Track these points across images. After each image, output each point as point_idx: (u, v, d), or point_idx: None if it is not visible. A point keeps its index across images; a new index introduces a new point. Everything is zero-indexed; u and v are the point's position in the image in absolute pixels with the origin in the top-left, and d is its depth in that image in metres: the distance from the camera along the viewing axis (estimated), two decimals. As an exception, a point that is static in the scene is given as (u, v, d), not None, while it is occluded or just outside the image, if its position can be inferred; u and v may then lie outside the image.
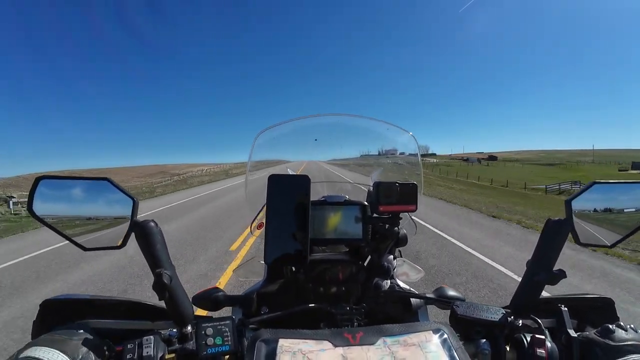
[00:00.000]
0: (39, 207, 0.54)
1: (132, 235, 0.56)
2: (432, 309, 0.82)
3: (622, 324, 0.55)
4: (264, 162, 0.94)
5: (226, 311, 0.77)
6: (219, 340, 0.54)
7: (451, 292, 0.76)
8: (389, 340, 0.45)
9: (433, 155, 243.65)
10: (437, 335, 0.45)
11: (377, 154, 1.08)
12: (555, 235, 0.59)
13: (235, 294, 0.78)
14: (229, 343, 0.54)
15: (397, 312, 0.79)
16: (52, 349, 0.46)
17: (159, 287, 0.53)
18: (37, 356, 0.44)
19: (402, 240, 0.81)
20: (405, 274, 0.93)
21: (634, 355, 0.49)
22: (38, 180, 0.54)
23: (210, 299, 0.75)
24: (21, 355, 0.44)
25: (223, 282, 3.92)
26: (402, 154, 1.01)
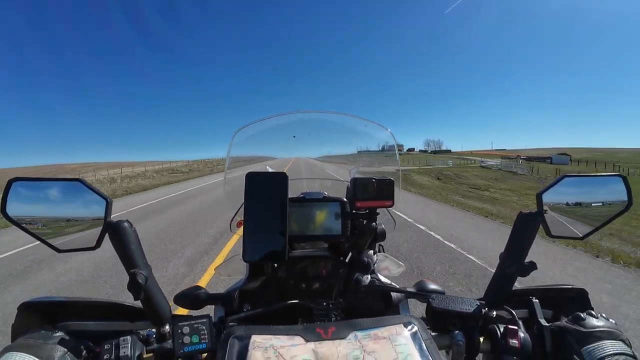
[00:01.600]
0: (13, 209, 0.54)
1: (107, 235, 0.56)
2: (414, 303, 0.84)
3: (593, 312, 0.57)
4: (244, 159, 0.94)
5: (209, 310, 0.77)
6: (195, 339, 0.54)
7: (431, 286, 0.77)
8: (359, 334, 0.45)
9: (447, 152, 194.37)
10: (408, 328, 0.46)
11: (357, 151, 1.09)
12: (526, 227, 0.60)
13: (217, 292, 0.79)
14: (206, 341, 0.54)
15: (378, 306, 0.80)
16: (27, 355, 0.46)
17: (134, 287, 0.53)
18: None
19: (381, 236, 0.82)
20: (387, 269, 0.94)
21: (605, 341, 0.50)
22: (11, 182, 0.54)
23: (192, 297, 0.75)
24: None
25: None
26: (381, 150, 1.01)
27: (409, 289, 0.75)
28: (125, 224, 0.56)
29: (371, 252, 0.79)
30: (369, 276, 0.77)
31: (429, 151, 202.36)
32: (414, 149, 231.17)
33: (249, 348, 0.43)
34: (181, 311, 0.74)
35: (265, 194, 0.67)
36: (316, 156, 1.26)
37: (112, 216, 0.57)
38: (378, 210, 0.77)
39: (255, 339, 0.44)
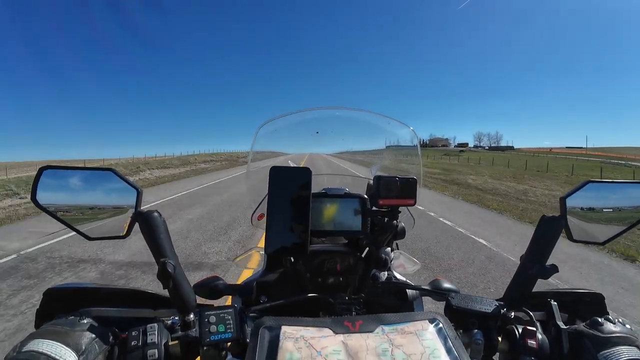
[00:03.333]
0: (43, 197, 0.54)
1: (137, 225, 0.57)
2: (427, 301, 0.85)
3: (610, 317, 0.58)
4: (266, 153, 0.94)
5: (225, 300, 0.79)
6: (221, 328, 0.55)
7: (446, 285, 0.78)
8: (387, 328, 0.46)
9: (509, 148, 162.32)
10: (433, 324, 0.47)
11: (378, 148, 1.09)
12: (549, 231, 0.60)
13: (235, 283, 0.80)
14: (232, 331, 0.55)
15: (393, 303, 0.82)
16: (54, 342, 0.46)
17: (164, 276, 0.54)
18: (39, 350, 0.44)
19: (400, 234, 0.83)
20: (402, 266, 0.95)
21: (621, 347, 0.51)
22: (42, 170, 0.55)
23: (211, 287, 0.76)
24: (24, 349, 0.45)
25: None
26: (402, 147, 1.01)
27: (424, 287, 0.75)
28: (155, 214, 0.57)
29: (389, 249, 0.80)
30: (386, 273, 0.78)
31: (486, 147, 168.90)
32: (467, 144, 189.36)
33: (280, 338, 0.44)
34: (202, 302, 0.76)
35: (289, 188, 0.68)
36: (331, 152, 1.26)
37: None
38: (400, 209, 0.77)
39: (286, 329, 0.45)
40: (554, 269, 0.60)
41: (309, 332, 0.45)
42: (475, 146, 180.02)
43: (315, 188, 0.81)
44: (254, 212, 0.92)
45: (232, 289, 0.78)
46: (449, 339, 0.45)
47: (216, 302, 0.74)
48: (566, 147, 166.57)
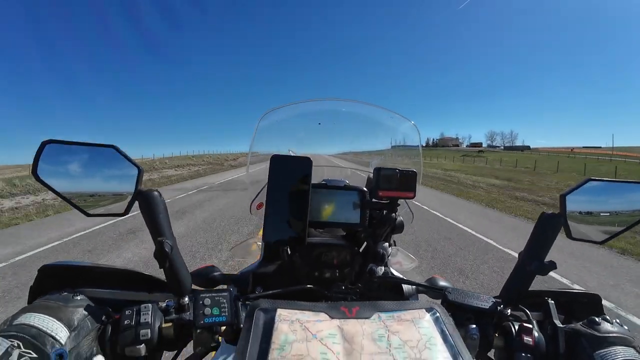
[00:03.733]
0: (44, 171, 0.54)
1: (136, 203, 0.57)
2: (423, 299, 0.84)
3: (608, 317, 0.58)
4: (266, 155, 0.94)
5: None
6: (216, 311, 0.55)
7: (442, 282, 0.78)
8: (383, 315, 0.46)
9: (525, 148, 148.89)
10: (430, 313, 0.47)
11: (381, 148, 1.09)
12: (548, 228, 0.61)
13: (231, 273, 0.80)
14: (226, 314, 0.55)
15: (389, 298, 0.81)
16: (46, 316, 0.46)
17: (161, 255, 0.54)
18: (31, 323, 0.44)
19: (399, 227, 0.83)
20: (399, 263, 0.95)
21: (618, 347, 0.51)
22: (44, 144, 0.54)
23: (207, 276, 0.76)
24: (15, 322, 0.44)
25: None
26: (405, 145, 1.02)
27: (421, 283, 0.75)
28: (155, 193, 0.57)
29: (386, 244, 0.80)
30: (383, 268, 0.78)
31: (502, 147, 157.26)
32: (480, 143, 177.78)
33: (275, 320, 0.44)
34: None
35: (289, 178, 0.68)
36: (335, 153, 1.26)
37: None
38: (399, 202, 0.77)
39: (281, 312, 0.45)
40: (552, 266, 0.59)
41: (304, 316, 0.45)
42: (490, 146, 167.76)
43: (315, 179, 0.81)
44: (253, 200, 0.92)
45: (228, 279, 0.78)
46: (446, 328, 0.45)
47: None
48: (584, 147, 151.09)
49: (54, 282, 0.60)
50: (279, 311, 0.45)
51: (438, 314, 0.47)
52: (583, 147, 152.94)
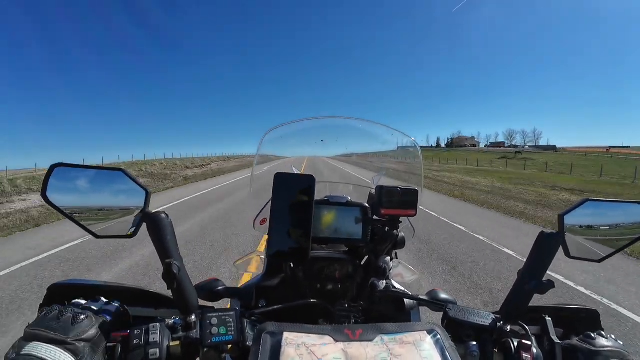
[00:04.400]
0: (53, 194, 0.55)
1: (144, 225, 0.58)
2: (424, 311, 0.86)
3: (603, 333, 0.59)
4: (270, 157, 0.96)
5: (225, 302, 0.79)
6: (222, 330, 0.56)
7: (443, 295, 0.79)
8: (386, 337, 0.47)
9: (551, 148, 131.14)
10: (431, 335, 0.48)
11: (378, 150, 1.11)
12: (546, 247, 0.62)
13: (235, 286, 0.81)
14: (232, 333, 0.56)
15: (391, 312, 0.82)
16: (53, 347, 0.46)
17: (168, 276, 0.55)
18: (38, 355, 0.44)
19: (400, 243, 0.84)
20: (401, 275, 0.96)
21: None
22: (53, 167, 0.56)
23: (211, 289, 0.77)
24: (22, 352, 0.45)
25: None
26: (405, 158, 1.03)
27: (422, 297, 0.76)
28: (163, 215, 0.58)
29: (388, 258, 0.81)
30: (385, 282, 0.79)
31: (526, 147, 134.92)
32: (503, 143, 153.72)
33: (282, 344, 0.45)
34: (202, 304, 0.77)
35: (292, 195, 0.69)
36: (332, 155, 1.28)
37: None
38: (400, 219, 0.79)
39: (288, 336, 0.46)
40: (550, 285, 0.61)
41: (310, 339, 0.46)
42: (512, 145, 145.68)
43: (318, 195, 0.82)
44: (257, 216, 0.93)
45: (231, 292, 0.79)
46: (446, 351, 0.46)
47: (216, 305, 0.74)
48: (611, 147, 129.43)
49: (63, 300, 0.62)
50: (286, 334, 0.47)
51: (439, 336, 0.48)
52: (609, 146, 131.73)
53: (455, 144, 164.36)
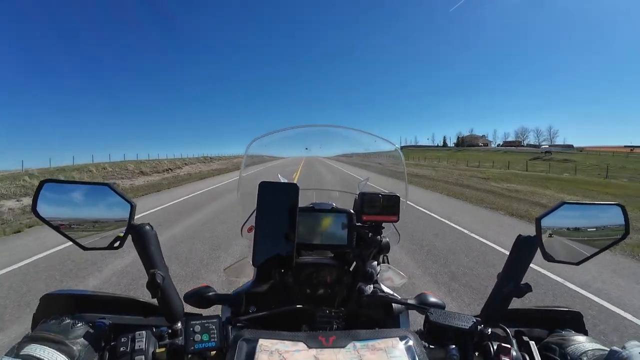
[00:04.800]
0: (43, 209, 0.58)
1: (130, 237, 0.60)
2: (413, 314, 0.87)
3: (583, 334, 0.60)
4: (260, 157, 0.98)
5: (216, 309, 0.81)
6: (205, 337, 0.58)
7: (432, 299, 0.80)
8: (358, 344, 0.49)
9: (568, 148, 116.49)
10: (403, 342, 0.50)
11: (367, 151, 1.13)
12: (524, 250, 0.63)
13: (225, 293, 0.83)
14: (215, 340, 0.58)
15: (379, 316, 0.84)
16: (50, 348, 0.49)
17: (153, 286, 0.57)
18: (35, 354, 0.47)
19: (385, 248, 0.85)
20: (390, 279, 0.97)
21: None
22: (42, 183, 0.59)
23: (201, 297, 0.79)
24: (22, 352, 0.48)
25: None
26: (389, 165, 1.05)
27: (409, 301, 0.78)
28: (147, 227, 0.61)
29: (375, 263, 0.82)
30: (372, 286, 0.80)
31: (546, 146, 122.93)
32: (519, 141, 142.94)
33: (256, 351, 0.47)
34: (192, 310, 0.79)
35: (277, 203, 0.71)
36: (327, 155, 1.29)
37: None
38: (383, 225, 0.80)
39: (262, 342, 0.48)
40: (527, 288, 0.62)
41: (284, 346, 0.48)
42: (533, 145, 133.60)
43: (304, 202, 0.84)
44: (244, 224, 0.95)
45: (222, 299, 0.81)
46: (416, 357, 0.47)
47: (207, 312, 0.76)
48: (625, 146, 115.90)
49: (56, 310, 0.64)
50: (261, 341, 0.48)
51: (411, 343, 0.50)
52: (632, 146, 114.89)
53: (466, 142, 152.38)
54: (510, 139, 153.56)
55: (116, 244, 0.61)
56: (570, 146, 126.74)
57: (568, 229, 0.64)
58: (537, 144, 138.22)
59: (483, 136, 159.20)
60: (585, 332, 0.65)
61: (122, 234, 0.60)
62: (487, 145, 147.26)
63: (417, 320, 1.02)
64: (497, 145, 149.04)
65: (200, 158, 36.79)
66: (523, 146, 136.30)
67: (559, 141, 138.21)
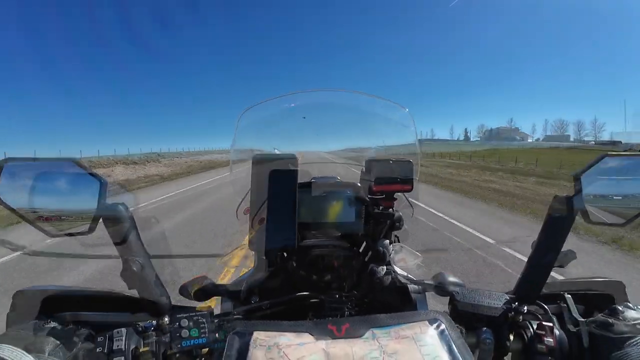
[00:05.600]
0: (5, 191, 0.50)
1: (101, 220, 0.52)
2: (431, 297, 0.79)
3: (630, 304, 0.52)
4: (248, 152, 0.87)
5: (216, 301, 0.74)
6: (194, 333, 0.51)
7: (451, 279, 0.72)
8: (378, 332, 0.40)
9: (617, 143, 79.15)
10: (434, 326, 0.41)
11: (375, 140, 1.02)
12: (562, 213, 0.54)
13: (224, 283, 0.75)
14: (206, 336, 0.51)
15: (394, 300, 0.76)
16: (14, 347, 0.44)
17: (127, 274, 0.50)
18: (1, 356, 0.43)
19: (398, 223, 0.77)
20: (403, 260, 0.89)
21: None
22: (2, 163, 0.51)
23: (198, 288, 0.71)
24: None
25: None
26: (399, 132, 0.95)
27: (428, 282, 0.70)
28: (120, 207, 0.52)
29: (387, 241, 0.74)
30: (385, 267, 0.72)
31: (593, 142, 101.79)
32: (564, 136, 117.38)
33: (250, 347, 0.38)
34: (189, 304, 0.71)
35: (273, 179, 0.63)
36: (328, 150, 1.19)
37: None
38: (395, 195, 0.71)
39: (258, 335, 0.40)
40: (571, 256, 0.53)
41: (284, 339, 0.39)
42: (582, 140, 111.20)
43: (305, 177, 0.75)
44: (239, 205, 0.87)
45: (221, 290, 0.73)
46: (452, 343, 0.39)
47: (206, 304, 0.69)
48: None
49: (31, 309, 0.58)
50: (255, 334, 0.40)
51: (443, 326, 0.41)
52: None
53: (500, 136, 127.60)
54: (543, 132, 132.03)
55: (86, 229, 0.52)
56: (619, 142, 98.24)
57: (610, 185, 0.56)
58: (577, 137, 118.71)
59: (516, 128, 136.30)
60: (626, 301, 0.57)
61: (92, 216, 0.52)
62: (523, 140, 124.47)
63: (437, 305, 0.93)
64: (536, 140, 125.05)
65: (152, 154, 30.56)
66: (570, 141, 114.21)
67: (605, 136, 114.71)
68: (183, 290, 0.69)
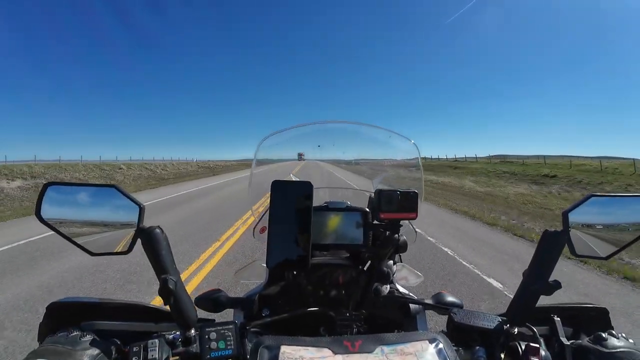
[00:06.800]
0: (47, 212, 0.55)
1: (139, 241, 0.57)
2: (430, 314, 0.84)
3: (614, 332, 0.58)
4: (268, 161, 0.95)
5: (227, 313, 0.79)
6: (222, 345, 0.55)
7: (450, 298, 0.78)
8: (386, 349, 0.46)
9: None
10: (433, 345, 0.47)
11: (379, 159, 1.10)
12: (551, 246, 0.60)
13: (237, 296, 0.80)
14: (232, 347, 0.55)
15: (396, 317, 0.81)
16: None
17: (165, 292, 0.55)
18: None
19: (402, 247, 0.83)
20: (405, 279, 0.95)
21: None
22: (46, 186, 0.56)
23: (212, 300, 0.76)
24: None
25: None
26: (404, 161, 1.02)
27: (427, 301, 0.75)
28: (157, 230, 0.58)
29: (391, 262, 0.79)
30: (388, 286, 0.78)
31: None
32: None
33: (279, 359, 0.44)
34: (204, 315, 0.76)
35: (290, 202, 0.68)
36: (328, 159, 1.25)
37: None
38: (401, 222, 0.77)
39: (285, 349, 0.45)
40: (557, 285, 0.59)
41: (308, 353, 0.45)
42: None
43: (318, 202, 0.81)
44: (256, 224, 0.92)
45: (234, 302, 0.78)
46: None
47: (218, 315, 0.73)
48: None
49: (63, 319, 0.62)
50: (283, 348, 0.46)
51: (441, 345, 0.47)
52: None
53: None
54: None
55: (125, 249, 0.58)
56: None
57: (595, 222, 0.62)
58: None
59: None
60: (611, 328, 0.63)
61: (131, 238, 0.57)
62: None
63: (434, 321, 0.99)
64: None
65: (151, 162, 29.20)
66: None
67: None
68: (199, 302, 0.74)
